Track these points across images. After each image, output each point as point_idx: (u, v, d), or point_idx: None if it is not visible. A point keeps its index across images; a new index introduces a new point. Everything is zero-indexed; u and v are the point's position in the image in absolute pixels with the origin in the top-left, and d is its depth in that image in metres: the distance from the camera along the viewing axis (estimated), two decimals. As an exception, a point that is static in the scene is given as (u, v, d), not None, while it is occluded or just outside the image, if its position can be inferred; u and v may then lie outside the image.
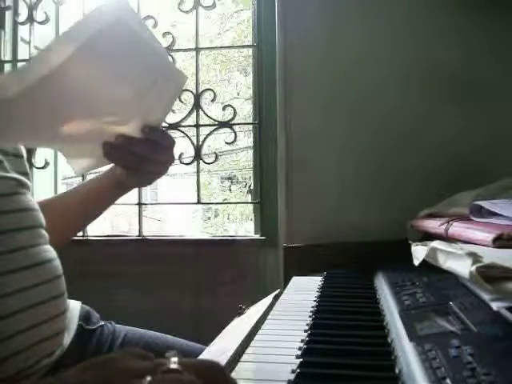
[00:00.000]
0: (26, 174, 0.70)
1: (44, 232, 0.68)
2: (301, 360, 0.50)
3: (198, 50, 1.43)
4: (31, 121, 0.58)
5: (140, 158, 0.70)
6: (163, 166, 0.75)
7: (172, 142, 0.74)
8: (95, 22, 0.55)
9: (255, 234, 1.38)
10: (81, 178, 1.49)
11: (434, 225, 0.85)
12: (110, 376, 0.32)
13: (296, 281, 0.94)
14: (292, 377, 0.46)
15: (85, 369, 0.33)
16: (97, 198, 0.84)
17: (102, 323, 0.83)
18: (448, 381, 0.38)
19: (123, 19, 0.57)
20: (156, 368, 0.32)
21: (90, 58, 0.56)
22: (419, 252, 0.73)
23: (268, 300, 0.78)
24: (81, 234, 1.44)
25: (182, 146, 1.41)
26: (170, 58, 0.67)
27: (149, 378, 0.31)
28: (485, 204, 0.76)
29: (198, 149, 1.41)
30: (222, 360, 0.49)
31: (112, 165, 0.77)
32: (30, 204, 0.66)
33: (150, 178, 0.78)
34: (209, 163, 1.43)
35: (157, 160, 0.73)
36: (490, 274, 0.50)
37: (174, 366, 0.32)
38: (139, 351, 0.35)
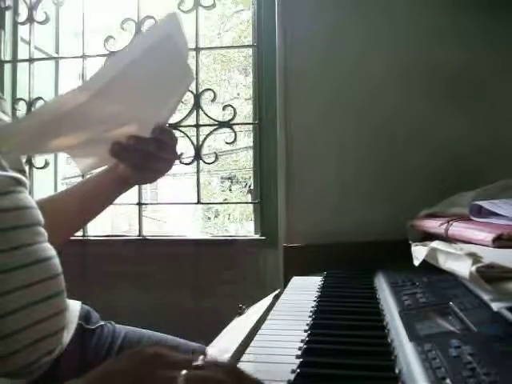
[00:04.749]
0: (22, 172, 0.70)
1: (42, 230, 0.68)
2: (301, 360, 0.50)
3: (198, 49, 1.43)
4: (42, 138, 0.59)
5: (148, 157, 0.73)
6: (169, 163, 0.78)
7: (176, 140, 0.77)
8: (147, 39, 0.59)
9: (255, 234, 1.38)
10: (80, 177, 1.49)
11: (434, 225, 0.85)
12: (147, 365, 0.34)
13: (296, 281, 0.94)
14: (292, 377, 0.46)
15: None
16: (97, 196, 0.84)
17: (102, 323, 0.83)
18: (448, 381, 0.38)
19: (172, 35, 0.61)
20: (188, 363, 0.34)
21: (131, 78, 0.59)
22: (419, 252, 0.73)
23: (268, 300, 0.78)
24: (81, 233, 1.44)
25: (182, 146, 1.41)
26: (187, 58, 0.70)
27: (184, 372, 0.33)
28: (485, 204, 0.75)
29: (197, 149, 1.41)
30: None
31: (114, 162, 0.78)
32: (27, 202, 0.66)
33: (155, 176, 0.80)
34: (209, 163, 1.44)
35: (164, 158, 0.76)
36: (490, 274, 0.50)
37: (202, 363, 0.35)
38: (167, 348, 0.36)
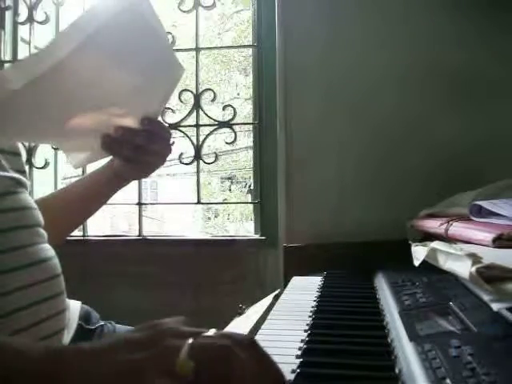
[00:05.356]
0: (23, 172, 0.70)
1: (42, 231, 0.68)
2: (301, 360, 0.50)
3: (198, 49, 1.43)
4: (33, 116, 0.58)
5: (139, 150, 0.72)
6: (161, 156, 0.77)
7: (169, 133, 0.76)
8: (105, 9, 0.56)
9: (255, 233, 1.38)
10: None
11: (434, 225, 0.85)
12: (156, 335, 0.35)
13: (296, 281, 0.94)
14: (292, 377, 0.46)
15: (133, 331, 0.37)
16: (96, 193, 0.84)
17: (102, 323, 0.83)
18: (448, 381, 0.38)
19: (135, 5, 0.57)
20: (197, 334, 0.36)
21: (97, 47, 0.57)
22: (419, 252, 0.73)
23: (268, 300, 0.78)
24: (81, 233, 1.44)
25: (182, 146, 1.41)
26: (172, 48, 0.68)
27: (190, 340, 0.34)
28: (485, 204, 0.76)
29: (197, 149, 1.41)
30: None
31: (109, 158, 0.78)
32: (27, 202, 0.66)
33: (148, 170, 0.80)
34: (209, 163, 1.44)
35: (155, 151, 0.75)
36: (490, 275, 0.50)
37: (211, 333, 0.36)
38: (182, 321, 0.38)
